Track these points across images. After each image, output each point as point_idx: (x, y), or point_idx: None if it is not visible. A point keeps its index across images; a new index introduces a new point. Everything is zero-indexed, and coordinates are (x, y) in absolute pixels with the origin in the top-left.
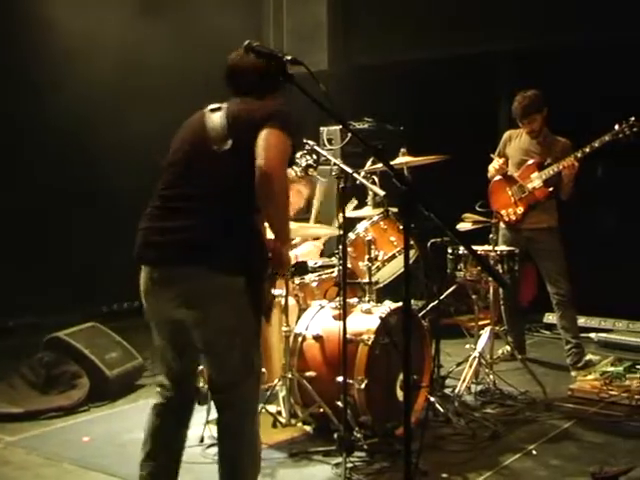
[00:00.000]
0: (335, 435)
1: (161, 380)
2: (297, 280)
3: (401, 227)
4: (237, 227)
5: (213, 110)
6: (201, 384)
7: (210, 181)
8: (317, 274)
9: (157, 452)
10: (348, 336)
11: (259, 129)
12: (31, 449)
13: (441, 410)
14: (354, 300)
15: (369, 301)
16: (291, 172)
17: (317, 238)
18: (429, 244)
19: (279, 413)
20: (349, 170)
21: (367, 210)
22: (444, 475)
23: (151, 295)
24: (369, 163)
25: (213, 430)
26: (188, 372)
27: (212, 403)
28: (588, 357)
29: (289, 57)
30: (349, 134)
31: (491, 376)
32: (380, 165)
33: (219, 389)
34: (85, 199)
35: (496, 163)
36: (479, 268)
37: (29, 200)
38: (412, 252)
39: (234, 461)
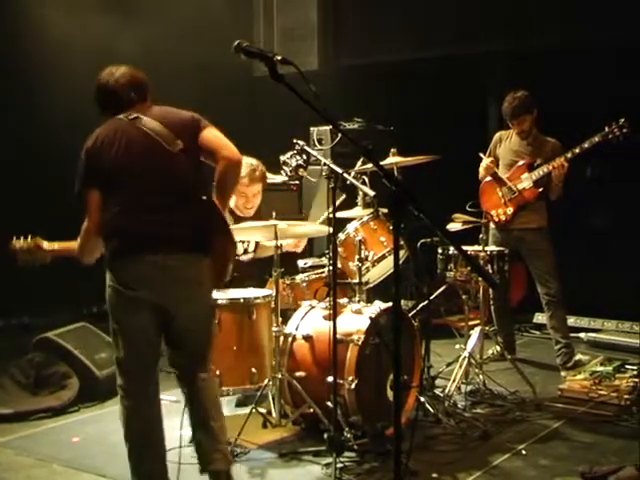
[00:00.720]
0: (325, 435)
1: (129, 388)
2: (287, 280)
3: (391, 227)
4: (210, 215)
5: (134, 119)
6: None
7: (177, 179)
8: (307, 274)
9: (151, 450)
10: (338, 336)
11: (199, 130)
12: (21, 450)
13: (431, 410)
14: (344, 300)
15: (359, 301)
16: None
17: None
18: (419, 244)
19: (269, 413)
20: (339, 170)
21: (357, 210)
22: (434, 475)
23: (156, 283)
24: (359, 163)
25: None
26: (155, 363)
27: None
28: (578, 357)
29: (279, 57)
30: (339, 134)
31: (481, 376)
32: (370, 165)
33: (200, 356)
34: (74, 199)
35: (484, 163)
36: (469, 268)
37: (19, 199)
38: (402, 252)
39: (211, 410)
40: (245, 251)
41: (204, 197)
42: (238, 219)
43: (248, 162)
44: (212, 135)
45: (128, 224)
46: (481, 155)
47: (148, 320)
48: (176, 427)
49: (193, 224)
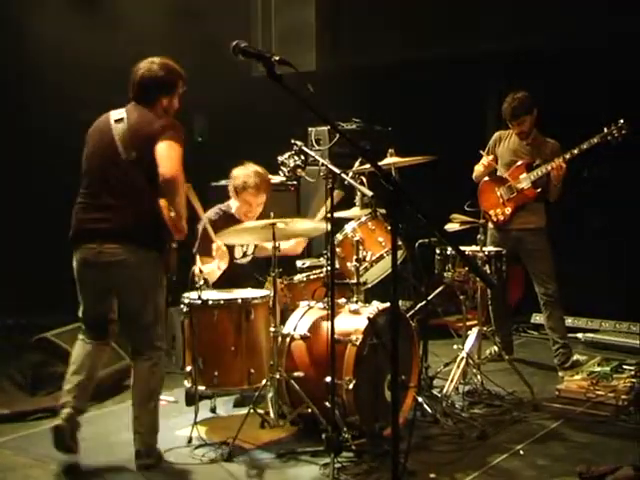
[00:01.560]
0: (323, 435)
1: (85, 327)
2: (285, 281)
3: (389, 228)
4: (148, 215)
5: (117, 121)
6: (188, 385)
7: (123, 184)
8: (305, 274)
9: (82, 369)
10: (336, 336)
11: (156, 141)
12: (19, 450)
13: (429, 410)
14: (342, 300)
15: (357, 301)
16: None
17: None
18: (417, 244)
19: (267, 414)
20: (337, 171)
21: (355, 211)
22: (432, 475)
23: (91, 265)
24: (357, 164)
25: (201, 431)
26: (105, 319)
27: (200, 405)
28: (575, 357)
29: (277, 57)
30: (337, 135)
31: (479, 376)
32: (368, 165)
33: (141, 328)
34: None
35: (485, 160)
36: (467, 268)
37: (17, 203)
38: (400, 253)
39: (137, 396)
40: (244, 254)
41: (150, 201)
42: (237, 223)
43: (256, 171)
44: (160, 149)
45: (78, 218)
46: (481, 152)
47: (93, 295)
48: (174, 427)
49: (130, 222)
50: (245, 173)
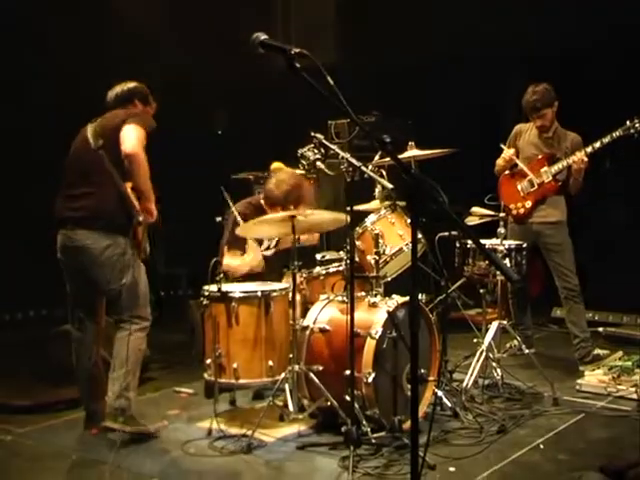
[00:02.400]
0: (342, 429)
1: (72, 316)
2: (305, 274)
3: (409, 221)
4: (115, 200)
5: (93, 121)
6: (207, 377)
7: (93, 171)
8: (325, 267)
9: (82, 357)
10: (355, 330)
11: (121, 127)
12: (41, 441)
13: (448, 404)
14: (362, 294)
15: (376, 295)
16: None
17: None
18: (437, 238)
19: (286, 406)
20: (357, 163)
21: (375, 203)
22: (451, 469)
23: (66, 249)
24: (377, 156)
25: (221, 423)
26: (92, 306)
27: (220, 397)
28: (596, 351)
29: (297, 50)
30: (357, 127)
31: (499, 370)
32: (388, 158)
33: (119, 306)
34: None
35: (506, 154)
36: (487, 262)
37: (36, 194)
38: (420, 246)
39: (115, 359)
40: (268, 247)
41: (117, 186)
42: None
43: (292, 174)
44: (124, 131)
45: (57, 206)
46: (502, 146)
47: (73, 276)
48: (194, 419)
49: (99, 208)
50: (289, 188)
